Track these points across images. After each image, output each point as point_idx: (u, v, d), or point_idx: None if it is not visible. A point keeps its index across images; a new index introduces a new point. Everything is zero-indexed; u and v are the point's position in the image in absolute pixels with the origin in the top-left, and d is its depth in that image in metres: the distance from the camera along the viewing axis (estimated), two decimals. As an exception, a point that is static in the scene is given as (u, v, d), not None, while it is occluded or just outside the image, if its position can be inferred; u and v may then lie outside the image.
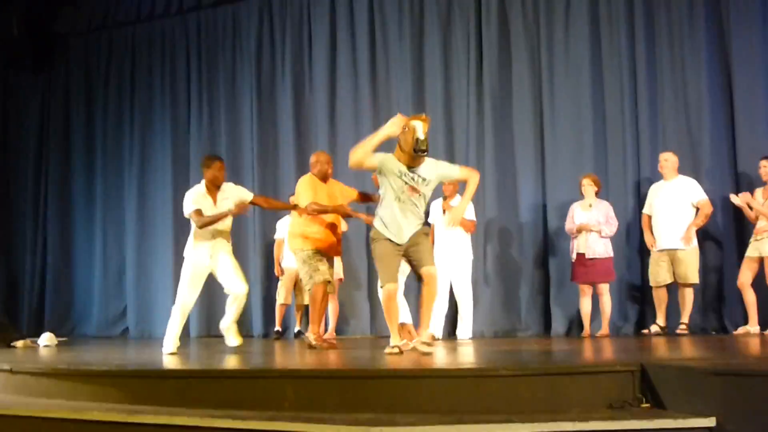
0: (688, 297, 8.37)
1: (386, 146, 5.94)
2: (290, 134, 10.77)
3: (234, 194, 7.20)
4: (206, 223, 6.94)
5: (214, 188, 7.11)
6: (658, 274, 8.45)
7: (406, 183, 5.87)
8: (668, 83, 9.23)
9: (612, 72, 9.46)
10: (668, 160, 8.57)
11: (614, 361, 4.59)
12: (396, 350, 5.88)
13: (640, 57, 9.31)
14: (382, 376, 4.50)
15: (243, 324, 10.45)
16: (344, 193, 7.37)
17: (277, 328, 9.84)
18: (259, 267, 10.73)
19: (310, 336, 7.17)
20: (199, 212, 6.96)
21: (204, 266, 7.09)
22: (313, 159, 7.46)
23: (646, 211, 8.71)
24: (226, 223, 7.20)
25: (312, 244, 7.12)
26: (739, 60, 8.90)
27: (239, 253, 10.79)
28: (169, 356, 6.51)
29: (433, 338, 6.56)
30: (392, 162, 5.90)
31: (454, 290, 8.79)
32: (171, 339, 7.02)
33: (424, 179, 5.92)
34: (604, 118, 9.46)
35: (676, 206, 8.42)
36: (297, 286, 9.72)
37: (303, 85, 10.88)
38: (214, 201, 7.08)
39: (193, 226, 7.05)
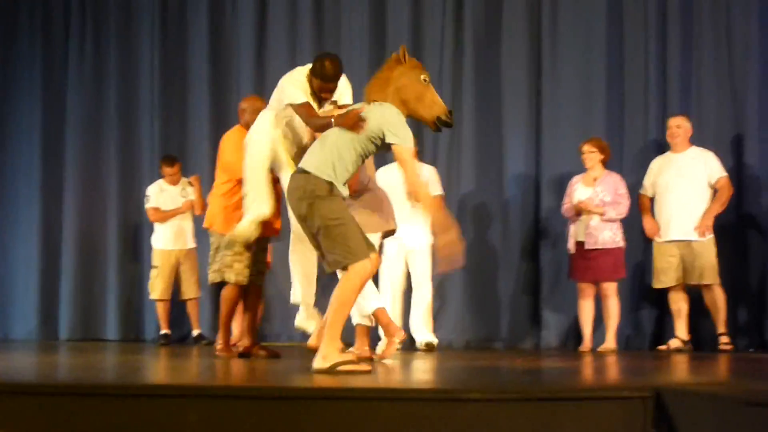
0: (719, 300, 8.47)
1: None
2: (204, 74, 10.66)
3: None
4: (323, 125, 5.89)
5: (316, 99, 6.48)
6: (664, 272, 8.57)
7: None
8: (708, 25, 9.32)
9: (635, 7, 9.53)
10: (681, 127, 8.64)
11: (621, 385, 4.60)
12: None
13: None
14: (314, 398, 4.46)
15: (130, 323, 10.46)
16: None
17: (164, 331, 9.96)
18: (120, 249, 10.74)
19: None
20: (309, 105, 6.30)
21: None
22: (243, 105, 7.46)
23: (646, 191, 8.80)
24: None
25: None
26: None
27: (93, 227, 10.80)
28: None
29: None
30: None
31: (412, 279, 8.88)
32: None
33: None
34: (621, 67, 9.53)
35: (689, 185, 8.51)
36: (183, 276, 9.92)
37: (223, 9, 10.75)
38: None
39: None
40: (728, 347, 8.41)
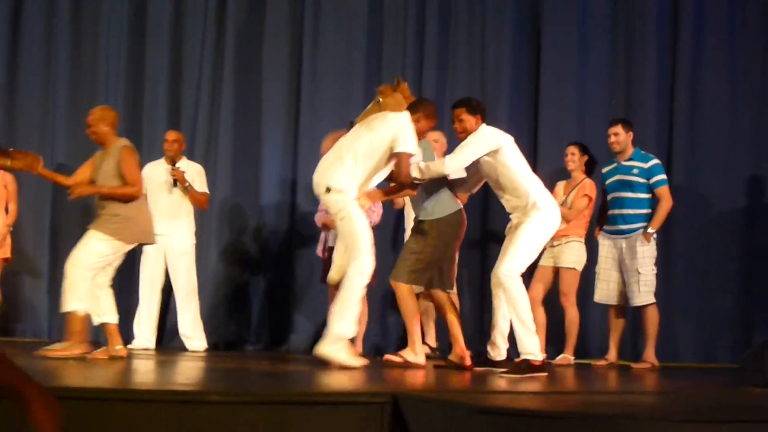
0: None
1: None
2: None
3: None
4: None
5: None
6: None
7: None
8: (463, 42, 9.61)
9: (395, 23, 9.73)
10: (438, 141, 8.79)
11: (360, 390, 4.64)
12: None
13: (431, 5, 9.64)
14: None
15: None
16: None
17: None
18: None
19: None
20: None
21: None
22: None
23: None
24: None
25: None
26: (551, 31, 9.50)
27: None
28: None
29: None
30: None
31: (174, 285, 8.85)
32: None
33: None
34: (379, 71, 9.67)
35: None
36: None
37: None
38: None
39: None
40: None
